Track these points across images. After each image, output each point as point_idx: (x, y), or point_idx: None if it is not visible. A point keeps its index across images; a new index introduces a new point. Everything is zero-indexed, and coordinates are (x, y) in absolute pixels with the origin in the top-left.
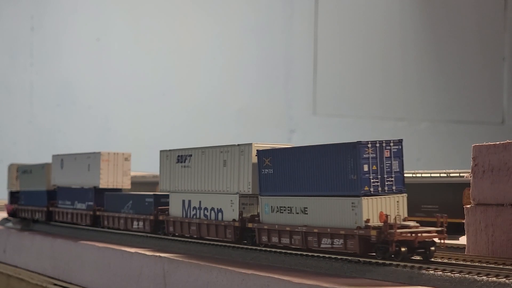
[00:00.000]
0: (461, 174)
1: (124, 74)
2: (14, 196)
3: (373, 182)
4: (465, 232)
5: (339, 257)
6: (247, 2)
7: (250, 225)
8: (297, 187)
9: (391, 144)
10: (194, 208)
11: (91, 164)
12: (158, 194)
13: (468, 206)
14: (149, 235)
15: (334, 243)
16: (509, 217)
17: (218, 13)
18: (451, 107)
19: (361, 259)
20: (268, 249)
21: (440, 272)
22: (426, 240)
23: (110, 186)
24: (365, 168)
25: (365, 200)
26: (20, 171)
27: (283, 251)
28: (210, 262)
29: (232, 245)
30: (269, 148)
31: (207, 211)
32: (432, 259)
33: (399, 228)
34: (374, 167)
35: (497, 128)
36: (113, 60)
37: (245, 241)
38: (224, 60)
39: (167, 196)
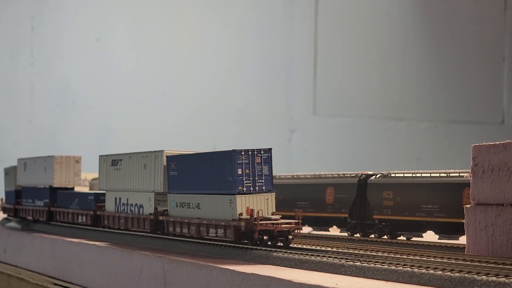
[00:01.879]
0: (461, 174)
1: (124, 74)
2: None
3: (246, 183)
4: (465, 232)
5: (222, 244)
6: (247, 2)
7: (161, 218)
8: (193, 186)
9: (262, 152)
10: (123, 204)
11: (47, 166)
12: (98, 193)
13: (468, 206)
14: (89, 227)
15: (218, 233)
16: (509, 217)
17: (219, 13)
18: (451, 107)
19: (237, 245)
20: (177, 238)
21: (440, 272)
22: (284, 230)
23: (63, 185)
24: (239, 171)
25: (239, 198)
26: (4, 173)
27: (184, 239)
28: (210, 262)
29: (233, 245)
30: (176, 154)
31: (132, 207)
32: (290, 245)
33: (261, 220)
34: (247, 171)
35: (497, 128)
36: (113, 60)
37: (159, 232)
38: (224, 60)
39: (104, 194)
